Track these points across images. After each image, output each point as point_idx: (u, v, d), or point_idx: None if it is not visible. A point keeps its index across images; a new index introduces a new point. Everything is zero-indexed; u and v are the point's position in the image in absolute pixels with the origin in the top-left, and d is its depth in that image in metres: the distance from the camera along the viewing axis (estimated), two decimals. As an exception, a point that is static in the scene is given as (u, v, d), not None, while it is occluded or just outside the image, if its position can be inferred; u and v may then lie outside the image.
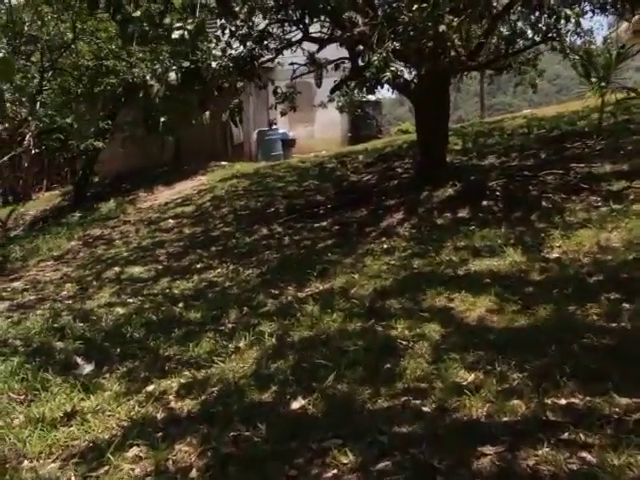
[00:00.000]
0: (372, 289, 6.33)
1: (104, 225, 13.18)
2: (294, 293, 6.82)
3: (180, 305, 7.13)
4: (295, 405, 4.03)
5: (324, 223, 10.02)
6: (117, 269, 9.60)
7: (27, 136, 17.96)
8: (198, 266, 8.99)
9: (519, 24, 12.08)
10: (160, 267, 9.35)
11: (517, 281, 5.89)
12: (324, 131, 20.78)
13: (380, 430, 3.54)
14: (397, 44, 8.01)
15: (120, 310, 7.33)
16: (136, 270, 9.35)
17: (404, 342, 4.78)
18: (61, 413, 4.56)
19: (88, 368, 5.62)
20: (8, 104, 14.93)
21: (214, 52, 5.46)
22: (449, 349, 4.51)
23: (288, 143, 19.15)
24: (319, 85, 12.29)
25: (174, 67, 5.13)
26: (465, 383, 3.96)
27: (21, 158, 19.06)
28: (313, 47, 11.37)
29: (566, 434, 3.21)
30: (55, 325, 6.95)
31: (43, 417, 4.51)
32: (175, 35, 4.72)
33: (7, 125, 15.69)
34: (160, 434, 4.02)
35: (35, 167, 20.02)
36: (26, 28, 13.94)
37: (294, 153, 19.20)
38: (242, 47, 8.33)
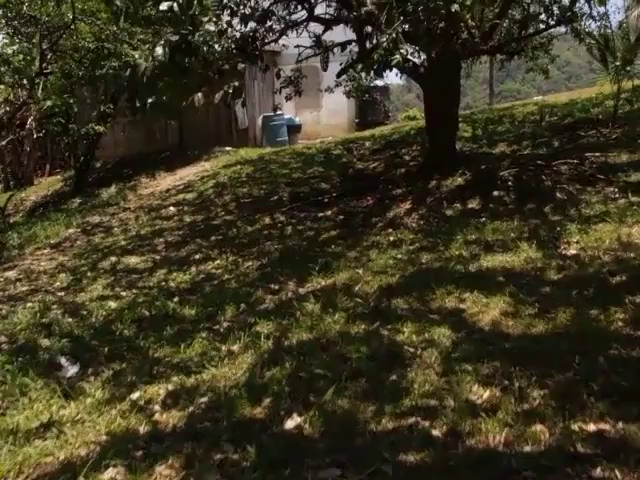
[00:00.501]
0: (377, 286, 5.87)
1: (103, 212, 12.73)
2: (294, 289, 6.37)
3: (175, 300, 6.70)
4: (290, 424, 3.58)
5: (328, 212, 9.55)
6: (113, 259, 9.17)
7: (29, 120, 17.56)
8: (197, 257, 8.55)
9: (532, 7, 11.58)
10: (157, 257, 8.91)
11: (533, 280, 5.43)
12: (331, 117, 20.23)
13: (384, 457, 3.10)
14: (407, 25, 7.52)
15: (112, 304, 6.92)
16: (132, 260, 8.92)
17: (411, 349, 4.33)
18: (37, 423, 4.15)
19: (72, 370, 5.21)
20: (8, 87, 14.51)
21: (207, 27, 4.92)
22: (461, 358, 4.06)
23: (294, 129, 18.58)
24: (325, 69, 11.78)
25: (161, 42, 4.65)
26: (480, 401, 3.51)
27: (23, 142, 18.63)
28: (320, 29, 10.88)
29: (598, 470, 2.76)
30: (43, 320, 6.58)
31: (17, 428, 4.11)
32: (163, 6, 4.25)
33: (8, 109, 15.20)
34: (141, 452, 3.59)
35: (37, 151, 19.57)
36: (25, 8, 13.43)
37: (300, 139, 18.67)
38: (244, 27, 7.84)
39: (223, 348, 5.01)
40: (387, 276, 6.09)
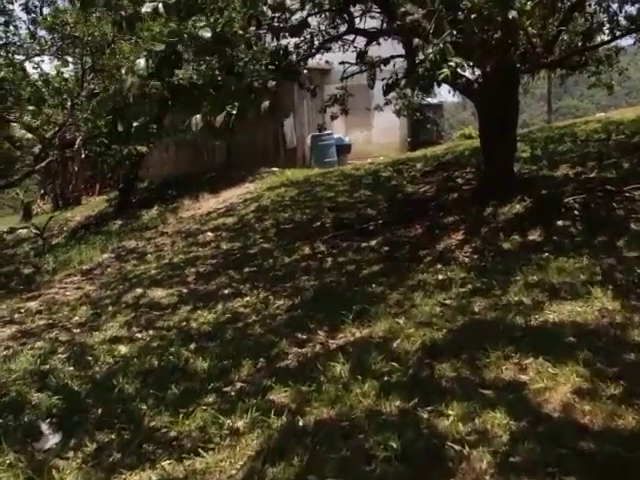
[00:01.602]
0: (419, 343, 4.77)
1: (141, 236, 11.97)
2: (324, 340, 5.33)
3: (191, 346, 5.77)
4: None
5: (372, 242, 8.50)
6: (139, 291, 8.32)
7: (77, 140, 17.03)
8: (226, 292, 7.62)
9: (596, 16, 10.39)
10: (185, 290, 8.02)
11: (612, 342, 4.27)
12: (382, 136, 19.18)
13: None
14: (457, 35, 6.47)
15: (123, 349, 6.05)
16: (158, 294, 8.05)
17: (456, 446, 3.23)
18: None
19: (52, 441, 4.30)
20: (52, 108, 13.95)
21: (202, 33, 3.96)
22: (521, 468, 2.96)
23: (343, 149, 17.53)
24: (372, 86, 10.79)
25: (144, 53, 3.76)
26: None
27: (72, 162, 18.16)
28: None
29: None
30: (43, 367, 5.75)
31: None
32: (147, 8, 3.34)
33: (48, 128, 14.65)
34: None
35: (87, 171, 19.05)
36: (69, 29, 12.84)
37: (350, 159, 17.63)
38: (275, 41, 6.95)
39: (227, 423, 4.01)
40: (432, 329, 4.99)
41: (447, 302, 5.65)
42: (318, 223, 10.09)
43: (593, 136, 12.38)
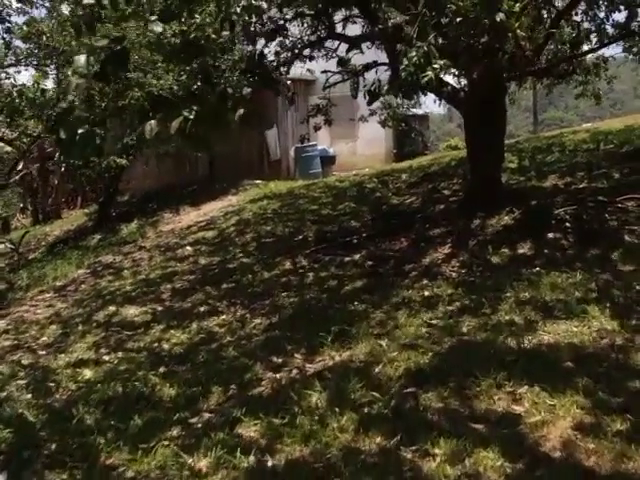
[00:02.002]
0: (403, 368, 4.34)
1: (118, 250, 11.49)
2: (301, 364, 4.90)
3: (160, 370, 5.34)
4: None
5: (356, 256, 8.09)
6: (112, 308, 7.87)
7: (57, 153, 16.55)
8: (202, 309, 7.18)
9: (583, 25, 10.07)
10: (159, 308, 7.57)
11: (613, 367, 3.87)
12: (367, 147, 18.79)
13: None
14: (442, 40, 6.11)
15: (88, 373, 5.61)
16: (131, 312, 7.60)
17: (444, 494, 2.81)
18: None
19: (-5, 483, 3.84)
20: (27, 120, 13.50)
21: (153, 27, 3.52)
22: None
23: (328, 160, 17.10)
24: (355, 95, 10.39)
25: (83, 49, 3.35)
26: None
27: (52, 175, 17.66)
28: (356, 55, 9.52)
29: None
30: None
31: None
32: (87, 0, 2.92)
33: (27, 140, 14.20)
34: None
35: (67, 184, 18.51)
36: (45, 39, 12.41)
37: (335, 171, 17.22)
38: (250, 46, 6.56)
39: (189, 462, 3.57)
40: (417, 353, 4.55)
41: (433, 322, 5.22)
42: (300, 237, 9.67)
43: (582, 146, 12.03)
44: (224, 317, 6.78)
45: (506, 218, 7.92)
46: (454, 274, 6.66)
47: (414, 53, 5.38)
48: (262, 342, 5.65)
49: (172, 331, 6.58)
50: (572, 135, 13.96)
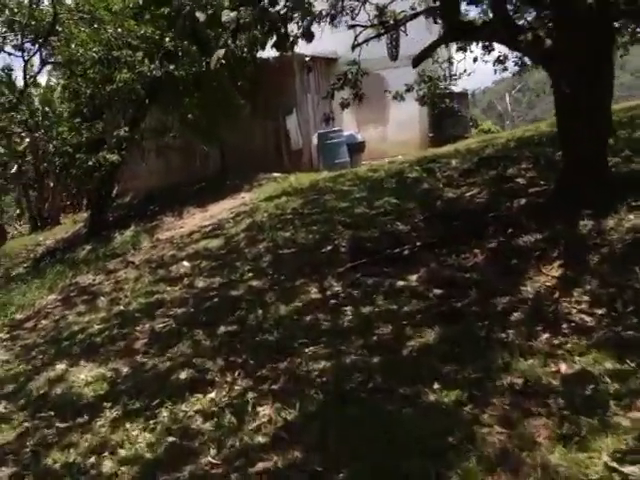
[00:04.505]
0: None
1: (103, 267, 8.71)
2: None
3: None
4: None
5: (412, 278, 5.26)
6: (61, 368, 5.16)
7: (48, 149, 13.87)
8: (182, 376, 4.41)
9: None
10: (124, 371, 4.82)
11: None
12: (399, 132, 15.80)
13: None
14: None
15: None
16: (82, 377, 4.85)
17: None
18: None
19: None
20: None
21: None
22: None
23: (356, 147, 14.02)
24: (395, 57, 7.52)
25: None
26: None
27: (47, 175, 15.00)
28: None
29: None
30: None
31: None
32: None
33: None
34: None
35: (64, 187, 15.73)
36: (7, 12, 9.66)
37: (363, 159, 14.25)
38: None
39: None
40: None
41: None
42: (329, 246, 6.79)
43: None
44: (212, 396, 4.01)
45: (631, 217, 5.03)
46: (588, 319, 3.77)
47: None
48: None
49: (128, 425, 3.84)
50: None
